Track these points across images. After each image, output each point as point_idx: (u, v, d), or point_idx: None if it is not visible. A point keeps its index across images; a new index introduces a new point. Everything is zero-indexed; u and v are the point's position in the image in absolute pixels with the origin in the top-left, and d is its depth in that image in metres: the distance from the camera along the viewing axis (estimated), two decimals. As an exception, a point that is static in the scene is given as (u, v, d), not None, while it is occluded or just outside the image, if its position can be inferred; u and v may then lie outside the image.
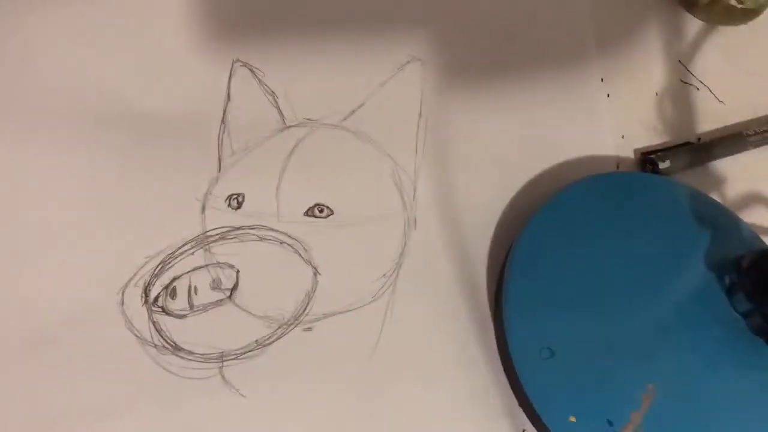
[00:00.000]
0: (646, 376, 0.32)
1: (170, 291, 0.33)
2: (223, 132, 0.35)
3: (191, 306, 0.33)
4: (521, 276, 0.34)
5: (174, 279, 0.33)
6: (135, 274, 0.33)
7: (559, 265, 0.34)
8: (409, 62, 0.38)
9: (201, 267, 0.33)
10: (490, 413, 0.34)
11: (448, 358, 0.34)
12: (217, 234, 0.34)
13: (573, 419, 0.31)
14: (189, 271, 0.33)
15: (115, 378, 0.32)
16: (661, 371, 0.32)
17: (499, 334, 0.35)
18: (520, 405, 0.34)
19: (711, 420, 0.32)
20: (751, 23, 0.43)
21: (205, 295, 0.33)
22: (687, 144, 0.41)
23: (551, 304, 0.34)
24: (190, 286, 0.33)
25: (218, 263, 0.33)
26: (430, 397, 0.33)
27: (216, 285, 0.33)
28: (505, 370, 0.34)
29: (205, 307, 0.33)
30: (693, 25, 0.44)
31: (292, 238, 0.34)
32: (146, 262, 0.33)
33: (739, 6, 0.41)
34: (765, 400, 0.32)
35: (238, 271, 0.33)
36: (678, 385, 0.32)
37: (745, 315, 0.33)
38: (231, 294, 0.33)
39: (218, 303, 0.33)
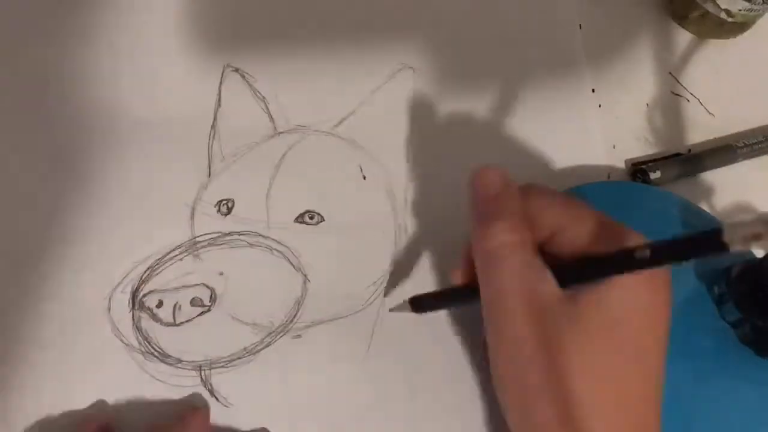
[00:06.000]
0: (635, 386, 0.32)
1: (157, 301, 0.32)
2: (214, 137, 0.35)
3: (175, 321, 0.32)
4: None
5: (155, 291, 0.32)
6: (122, 280, 0.32)
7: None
8: (400, 70, 0.38)
9: (180, 288, 0.33)
10: (478, 422, 0.34)
11: (438, 367, 0.34)
12: (206, 240, 0.34)
13: None
14: (170, 290, 0.32)
15: (101, 384, 0.31)
16: (651, 381, 0.32)
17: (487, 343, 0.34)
18: (510, 414, 0.34)
19: (700, 430, 0.32)
20: (740, 37, 0.44)
21: (187, 311, 0.32)
22: (677, 155, 0.41)
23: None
24: (175, 305, 0.32)
25: (196, 284, 0.33)
26: (419, 406, 0.33)
27: (196, 303, 0.32)
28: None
29: (190, 319, 0.32)
30: (683, 37, 0.44)
31: (282, 245, 0.34)
32: (134, 268, 0.33)
33: (729, 20, 0.42)
34: (754, 409, 0.32)
35: (213, 290, 0.33)
36: (667, 394, 0.32)
37: (734, 325, 0.33)
38: (210, 308, 0.33)
39: (201, 314, 0.33)
